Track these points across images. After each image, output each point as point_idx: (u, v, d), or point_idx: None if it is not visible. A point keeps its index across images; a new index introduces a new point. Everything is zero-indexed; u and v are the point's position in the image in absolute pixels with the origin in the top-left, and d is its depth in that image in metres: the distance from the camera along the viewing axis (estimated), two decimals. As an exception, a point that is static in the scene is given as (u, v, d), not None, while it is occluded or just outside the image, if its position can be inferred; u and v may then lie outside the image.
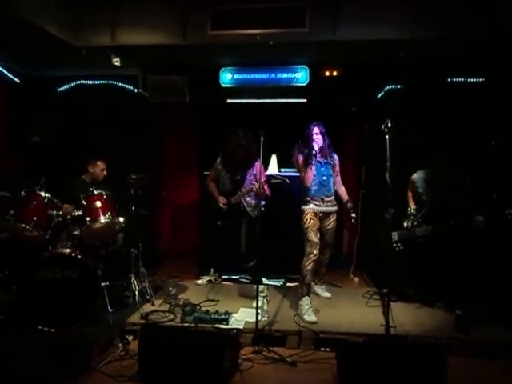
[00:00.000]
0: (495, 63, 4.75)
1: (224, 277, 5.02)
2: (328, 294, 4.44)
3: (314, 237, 3.94)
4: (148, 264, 4.53)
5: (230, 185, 4.51)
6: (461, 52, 4.56)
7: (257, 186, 4.14)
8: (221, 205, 4.48)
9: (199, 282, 4.89)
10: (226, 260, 4.92)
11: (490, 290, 3.99)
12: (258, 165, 4.20)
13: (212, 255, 5.00)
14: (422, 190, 4.28)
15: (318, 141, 3.95)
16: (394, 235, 4.12)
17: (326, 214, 4.06)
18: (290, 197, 4.73)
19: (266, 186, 4.27)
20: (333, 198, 4.09)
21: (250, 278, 4.75)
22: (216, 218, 4.54)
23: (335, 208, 4.12)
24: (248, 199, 4.47)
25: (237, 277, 4.98)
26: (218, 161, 4.55)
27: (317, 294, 4.40)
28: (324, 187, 4.00)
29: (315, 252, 3.93)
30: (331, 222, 4.12)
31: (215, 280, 4.94)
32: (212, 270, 5.01)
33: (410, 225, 4.17)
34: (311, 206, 3.98)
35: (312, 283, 4.17)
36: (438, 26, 4.10)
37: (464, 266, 3.74)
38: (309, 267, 3.93)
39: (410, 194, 4.42)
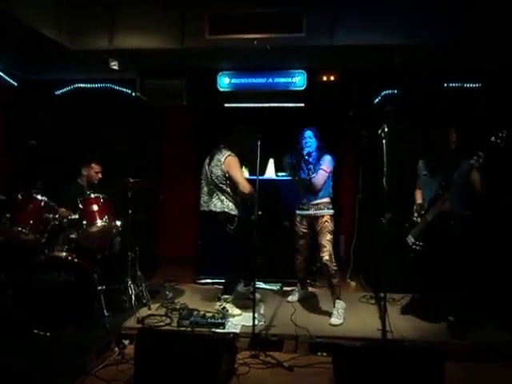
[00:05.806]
0: (491, 68, 4.77)
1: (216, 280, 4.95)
2: (292, 299, 4.46)
3: (295, 242, 4.21)
4: (145, 267, 4.51)
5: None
6: (457, 57, 4.58)
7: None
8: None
9: None
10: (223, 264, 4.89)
11: (483, 291, 3.98)
12: None
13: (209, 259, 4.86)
14: (426, 171, 3.97)
15: (307, 146, 3.97)
16: (410, 238, 3.88)
17: (315, 218, 4.02)
18: (287, 200, 4.72)
19: None
20: (322, 201, 3.99)
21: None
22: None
23: (326, 211, 3.99)
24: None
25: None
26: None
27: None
28: (309, 191, 3.99)
29: (298, 257, 4.25)
30: (319, 224, 3.99)
31: None
32: None
33: (417, 215, 3.88)
34: (298, 211, 4.11)
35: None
36: (435, 30, 4.12)
37: (454, 273, 3.66)
38: (296, 268, 4.34)
39: (417, 192, 4.07)
